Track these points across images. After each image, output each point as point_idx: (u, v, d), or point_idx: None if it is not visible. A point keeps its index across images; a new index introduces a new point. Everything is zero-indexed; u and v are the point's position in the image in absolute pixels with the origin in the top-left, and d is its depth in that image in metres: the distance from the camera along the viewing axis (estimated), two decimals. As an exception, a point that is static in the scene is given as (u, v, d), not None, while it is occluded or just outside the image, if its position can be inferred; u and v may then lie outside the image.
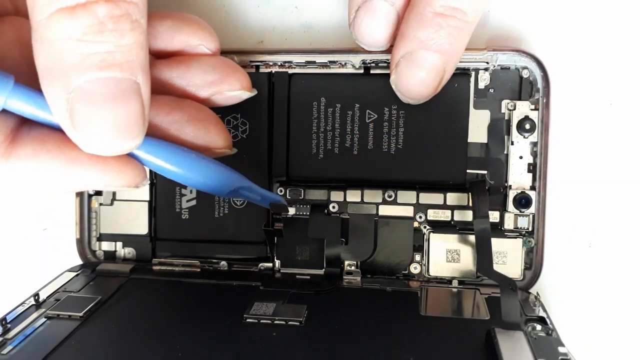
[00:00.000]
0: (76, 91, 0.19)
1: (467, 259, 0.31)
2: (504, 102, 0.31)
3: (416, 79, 0.27)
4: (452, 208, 0.32)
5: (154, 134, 0.23)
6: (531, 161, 0.31)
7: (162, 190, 0.33)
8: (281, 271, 0.33)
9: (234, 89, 0.26)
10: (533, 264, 0.31)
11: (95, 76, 0.19)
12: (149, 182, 0.24)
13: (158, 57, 0.26)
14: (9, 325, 0.27)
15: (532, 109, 0.31)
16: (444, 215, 0.32)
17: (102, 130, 0.20)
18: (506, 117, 0.31)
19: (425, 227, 0.32)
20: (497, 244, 0.31)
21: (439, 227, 0.32)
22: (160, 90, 0.25)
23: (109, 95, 0.20)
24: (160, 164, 0.23)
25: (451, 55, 0.26)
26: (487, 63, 0.30)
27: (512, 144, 0.31)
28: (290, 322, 0.27)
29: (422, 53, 0.26)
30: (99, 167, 0.21)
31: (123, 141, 0.21)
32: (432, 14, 0.25)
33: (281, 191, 0.33)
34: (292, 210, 0.32)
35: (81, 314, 0.28)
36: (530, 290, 0.31)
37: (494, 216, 0.31)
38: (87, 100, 0.19)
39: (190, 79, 0.25)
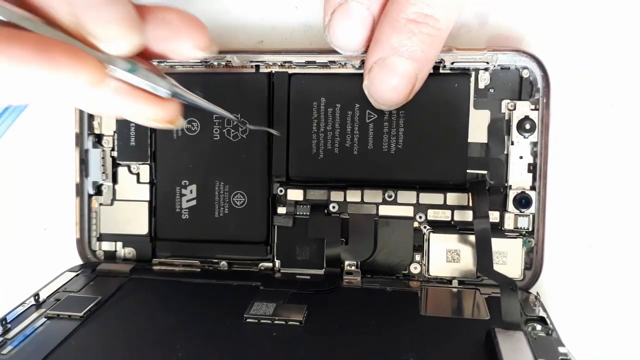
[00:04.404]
0: (78, 2, 0.20)
1: (467, 259, 0.31)
2: (504, 102, 0.31)
3: (388, 85, 0.26)
4: (452, 208, 0.32)
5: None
6: (531, 161, 0.31)
7: (162, 190, 0.33)
8: (281, 271, 0.33)
9: (186, 47, 0.24)
10: (533, 264, 0.31)
11: None
12: (110, 78, 0.22)
13: None
14: (9, 325, 0.27)
15: (532, 109, 0.31)
16: (444, 215, 0.32)
17: (116, 29, 0.21)
18: (506, 117, 0.31)
19: (425, 227, 0.32)
20: (497, 244, 0.31)
21: (439, 227, 0.32)
22: None
23: None
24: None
25: (423, 63, 0.26)
26: (487, 63, 0.30)
27: (512, 144, 0.31)
28: (290, 322, 0.27)
29: (394, 59, 0.25)
30: (48, 63, 0.20)
31: (137, 35, 0.22)
32: (404, 20, 0.25)
33: (281, 191, 0.33)
34: (292, 210, 0.33)
35: (81, 314, 0.28)
36: (530, 290, 0.31)
37: (494, 216, 0.31)
38: (91, 6, 0.21)
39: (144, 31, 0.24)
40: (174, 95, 0.24)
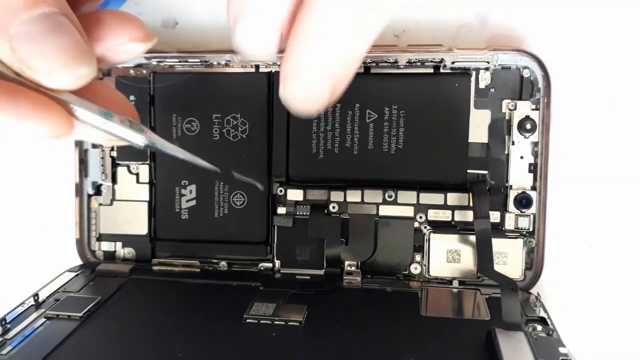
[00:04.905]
0: (16, 37, 0.20)
1: (467, 259, 0.31)
2: (505, 102, 0.31)
3: (304, 97, 0.24)
4: (453, 208, 0.31)
5: None
6: (532, 161, 0.31)
7: (161, 190, 0.33)
8: (281, 271, 0.33)
9: (122, 42, 0.24)
10: (534, 264, 0.31)
11: (27, 17, 0.20)
12: (73, 131, 0.22)
13: None
14: (8, 326, 0.27)
15: (532, 109, 0.30)
16: (444, 215, 0.32)
17: (56, 62, 0.20)
18: (507, 117, 0.31)
19: (425, 227, 0.32)
20: (497, 244, 0.31)
21: (440, 227, 0.32)
22: None
23: (47, 29, 0.20)
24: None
25: (341, 75, 0.25)
26: (488, 63, 0.30)
27: (513, 143, 0.31)
28: (290, 322, 0.27)
29: (308, 74, 0.23)
30: (11, 111, 0.20)
31: (80, 67, 0.21)
32: (316, 38, 0.22)
33: (281, 191, 0.32)
34: (292, 210, 0.33)
35: (81, 314, 0.28)
36: (531, 291, 0.31)
37: (495, 216, 0.31)
38: (30, 40, 0.20)
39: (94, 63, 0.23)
40: (150, 146, 0.24)
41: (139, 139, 0.23)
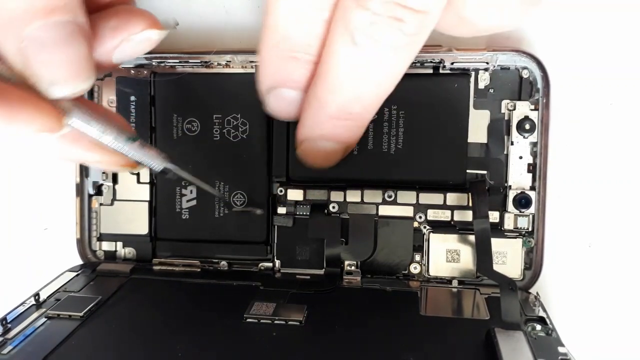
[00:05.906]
0: (28, 40, 0.20)
1: (467, 259, 0.32)
2: (504, 102, 0.31)
3: (319, 159, 0.28)
4: (452, 208, 0.32)
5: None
6: (531, 161, 0.31)
7: (162, 190, 0.33)
8: (281, 271, 0.33)
9: (138, 31, 0.24)
10: (533, 264, 0.31)
11: (43, 23, 0.20)
12: (69, 128, 0.23)
13: None
14: (9, 325, 0.27)
15: (532, 109, 0.31)
16: (443, 215, 0.32)
17: (59, 73, 0.21)
18: (506, 117, 0.31)
19: (425, 227, 0.32)
20: (497, 244, 0.31)
21: (439, 227, 0.32)
22: None
23: (59, 39, 0.20)
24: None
25: (350, 140, 0.27)
26: (487, 63, 0.30)
27: (512, 144, 0.31)
28: (290, 322, 0.27)
29: (322, 142, 0.27)
30: (3, 111, 0.21)
31: (80, 81, 0.22)
32: (327, 117, 0.26)
33: (281, 191, 0.33)
34: (292, 210, 0.33)
35: (81, 314, 0.28)
36: (530, 290, 0.31)
37: (494, 216, 0.31)
38: (40, 47, 0.20)
39: (96, 28, 0.24)
40: (165, 171, 0.27)
41: (155, 165, 0.26)
